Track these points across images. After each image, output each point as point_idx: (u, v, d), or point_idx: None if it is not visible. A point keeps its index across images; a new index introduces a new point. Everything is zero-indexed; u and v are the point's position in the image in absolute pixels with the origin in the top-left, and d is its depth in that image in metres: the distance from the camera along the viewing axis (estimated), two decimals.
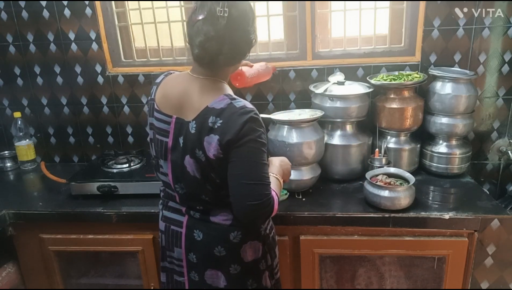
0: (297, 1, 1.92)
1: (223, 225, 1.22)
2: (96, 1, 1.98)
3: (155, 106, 1.20)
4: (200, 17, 1.07)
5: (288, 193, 1.68)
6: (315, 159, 1.71)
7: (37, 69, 2.12)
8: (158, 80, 1.25)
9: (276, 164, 1.31)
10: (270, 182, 1.12)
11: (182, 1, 2.01)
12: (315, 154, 1.69)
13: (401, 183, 1.58)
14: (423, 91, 1.88)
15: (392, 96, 1.81)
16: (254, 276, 1.28)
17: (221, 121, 1.08)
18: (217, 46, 1.08)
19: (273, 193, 1.14)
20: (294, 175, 1.67)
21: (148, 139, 1.28)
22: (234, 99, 1.12)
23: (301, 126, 1.66)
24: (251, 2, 1.91)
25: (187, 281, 1.31)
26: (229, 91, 1.17)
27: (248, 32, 1.12)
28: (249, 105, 1.11)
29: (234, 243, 1.23)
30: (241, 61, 1.22)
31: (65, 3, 1.99)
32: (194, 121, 1.12)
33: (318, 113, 1.72)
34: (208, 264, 1.25)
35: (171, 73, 1.26)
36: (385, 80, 1.81)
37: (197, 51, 1.10)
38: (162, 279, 1.39)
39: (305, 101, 1.98)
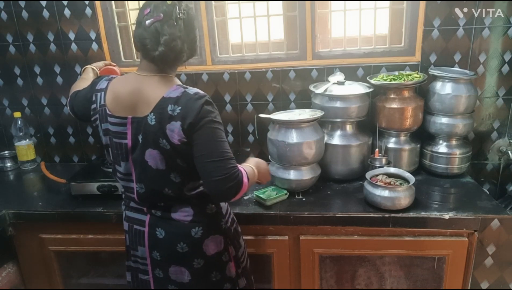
0: (297, 1, 1.92)
1: (184, 222, 1.26)
2: (96, 1, 1.98)
3: (107, 111, 1.22)
4: (156, 19, 1.13)
5: (288, 193, 1.68)
6: (315, 159, 1.71)
7: (37, 69, 2.12)
8: (102, 86, 1.27)
9: (253, 160, 1.41)
10: (233, 157, 1.18)
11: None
12: (315, 154, 1.69)
13: (401, 183, 1.58)
14: (423, 91, 1.88)
15: (392, 96, 1.81)
16: (218, 268, 1.32)
17: (179, 108, 1.14)
18: (181, 45, 1.17)
19: (240, 168, 1.19)
20: (294, 175, 1.67)
21: (104, 145, 1.29)
22: (186, 87, 1.19)
23: (301, 126, 1.66)
24: (248, 2, 1.93)
25: (152, 278, 1.33)
26: (179, 82, 1.24)
27: (196, 33, 1.24)
28: (201, 91, 1.19)
29: (196, 239, 1.26)
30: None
31: (65, 3, 1.99)
32: (152, 113, 1.16)
33: (318, 113, 1.72)
34: (172, 260, 1.28)
35: (113, 77, 1.29)
36: (385, 80, 1.81)
37: (162, 49, 1.14)
38: (127, 279, 1.41)
39: (305, 101, 1.98)
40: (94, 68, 1.61)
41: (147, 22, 1.14)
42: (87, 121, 1.35)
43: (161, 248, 1.28)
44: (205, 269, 1.29)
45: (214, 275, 1.31)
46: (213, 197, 1.25)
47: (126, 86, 1.22)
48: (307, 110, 1.80)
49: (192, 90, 1.18)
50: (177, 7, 1.14)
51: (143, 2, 2.00)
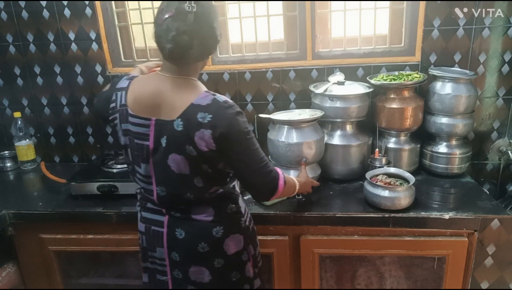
0: (297, 1, 1.92)
1: (205, 222, 1.25)
2: (96, 1, 1.98)
3: (129, 111, 1.20)
4: (168, 15, 1.11)
5: None
6: (315, 159, 1.71)
7: (37, 69, 2.12)
8: (123, 85, 1.24)
9: (305, 175, 1.55)
10: (268, 160, 1.23)
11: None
12: (315, 154, 1.69)
13: (401, 183, 1.58)
14: (423, 91, 1.88)
15: (392, 96, 1.81)
16: (238, 268, 1.32)
17: (210, 116, 1.12)
18: (188, 40, 1.12)
19: (277, 169, 1.26)
20: (294, 175, 1.67)
21: (122, 145, 1.27)
22: (214, 94, 1.18)
23: (301, 126, 1.66)
24: (247, 2, 1.93)
25: (170, 279, 1.32)
26: (205, 88, 1.22)
27: (214, 28, 1.17)
28: (229, 100, 1.18)
29: (217, 238, 1.26)
30: (209, 56, 1.25)
31: (65, 3, 1.99)
32: (179, 119, 1.14)
33: (318, 113, 1.72)
34: (192, 261, 1.27)
35: (135, 76, 1.27)
36: (385, 80, 1.81)
37: (170, 46, 1.12)
38: (144, 280, 1.40)
39: (305, 101, 1.98)
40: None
41: (160, 19, 1.12)
42: (107, 121, 1.32)
43: (180, 248, 1.27)
44: (225, 269, 1.29)
45: (234, 275, 1.31)
46: (255, 198, 1.35)
47: (148, 86, 1.20)
48: (307, 110, 1.81)
49: (221, 97, 1.17)
50: (187, 1, 1.10)
51: (143, 2, 2.02)
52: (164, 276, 1.33)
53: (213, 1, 1.19)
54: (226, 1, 1.98)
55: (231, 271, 1.30)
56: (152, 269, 1.36)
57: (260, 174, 1.21)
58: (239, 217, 1.32)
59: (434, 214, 1.50)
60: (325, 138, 1.79)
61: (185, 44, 1.12)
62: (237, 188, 1.35)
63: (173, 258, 1.28)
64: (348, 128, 1.82)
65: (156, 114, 1.18)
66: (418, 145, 1.88)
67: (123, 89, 1.24)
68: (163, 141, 1.17)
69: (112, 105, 1.25)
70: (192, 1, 1.10)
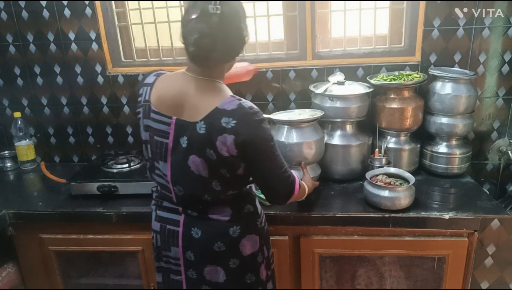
0: (297, 1, 1.92)
1: (222, 221, 1.25)
2: (96, 1, 1.98)
3: (152, 108, 1.19)
4: (193, 16, 1.09)
5: None
6: (315, 159, 1.71)
7: (37, 69, 2.12)
8: (149, 81, 1.23)
9: (309, 178, 1.53)
10: (287, 165, 1.24)
11: (182, 1, 2.01)
12: (315, 154, 1.69)
13: (401, 183, 1.58)
14: (423, 91, 1.88)
15: (392, 96, 1.81)
16: (253, 269, 1.31)
17: (234, 121, 1.11)
18: (211, 43, 1.10)
19: (294, 174, 1.28)
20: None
21: (143, 141, 1.26)
22: (240, 99, 1.16)
23: (301, 126, 1.66)
24: (247, 2, 1.93)
25: (184, 279, 1.31)
26: (231, 92, 1.20)
27: (241, 29, 1.14)
28: (254, 105, 1.17)
29: (234, 238, 1.25)
30: (235, 58, 1.23)
31: (65, 3, 1.99)
32: (202, 122, 1.13)
33: (318, 113, 1.72)
34: (207, 260, 1.27)
35: (162, 73, 1.25)
36: (385, 80, 1.81)
37: (193, 49, 1.11)
38: (158, 279, 1.39)
39: (305, 101, 1.98)
40: None
41: (186, 20, 1.11)
42: None
43: (196, 248, 1.26)
44: (240, 270, 1.28)
45: (249, 277, 1.30)
46: (272, 202, 1.33)
47: (174, 85, 1.19)
48: (307, 110, 1.81)
49: (247, 103, 1.15)
50: (213, 2, 1.07)
51: (143, 2, 2.02)
52: (178, 276, 1.32)
53: (250, 1, 1.16)
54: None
55: (246, 273, 1.30)
56: (166, 268, 1.35)
57: (280, 179, 1.22)
58: (255, 217, 1.32)
59: (434, 214, 1.50)
60: (325, 138, 1.79)
61: (208, 48, 1.10)
62: (254, 190, 1.35)
63: (188, 257, 1.27)
64: (348, 128, 1.82)
65: (178, 113, 1.17)
66: (418, 145, 1.87)
67: (149, 85, 1.22)
68: (183, 141, 1.16)
69: (139, 99, 1.25)
70: (217, 2, 1.07)
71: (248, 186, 1.31)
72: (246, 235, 1.27)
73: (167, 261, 1.33)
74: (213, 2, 1.07)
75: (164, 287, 1.38)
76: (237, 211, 1.27)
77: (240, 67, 1.63)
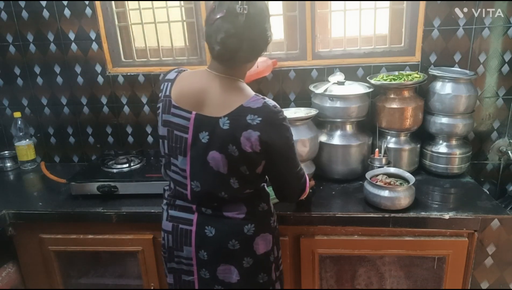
0: (297, 1, 1.92)
1: (236, 219, 1.25)
2: (96, 1, 1.98)
3: (172, 102, 1.20)
4: (219, 15, 1.10)
5: None
6: (309, 156, 1.73)
7: (37, 69, 2.12)
8: (171, 77, 1.24)
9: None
10: (300, 165, 1.29)
11: (182, 1, 2.01)
12: (309, 152, 1.71)
13: (401, 183, 1.58)
14: (423, 91, 1.88)
15: (392, 96, 1.81)
16: (265, 269, 1.31)
17: (260, 119, 1.13)
18: (237, 43, 1.11)
19: (305, 174, 1.32)
20: None
21: (160, 136, 1.26)
22: (264, 98, 1.18)
23: (296, 124, 1.67)
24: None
25: (196, 279, 1.30)
26: (253, 91, 1.22)
27: (265, 29, 1.16)
28: (277, 104, 1.19)
29: (248, 236, 1.25)
30: (258, 58, 1.24)
31: (65, 3, 1.99)
32: (226, 118, 1.14)
33: (312, 112, 1.73)
34: (221, 259, 1.26)
35: (183, 70, 1.26)
36: (385, 80, 1.81)
37: (218, 48, 1.12)
38: (169, 281, 1.38)
39: (305, 101, 1.98)
40: None
41: (211, 19, 1.12)
42: None
43: (210, 246, 1.25)
44: (253, 269, 1.28)
45: (262, 277, 1.30)
46: (286, 200, 1.38)
47: (196, 81, 1.20)
48: (302, 108, 1.83)
49: (271, 102, 1.18)
50: (239, 2, 1.08)
51: (143, 2, 2.02)
52: (190, 276, 1.31)
53: (263, 0, 1.17)
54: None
55: (259, 273, 1.30)
56: (178, 269, 1.33)
57: (297, 177, 1.27)
58: (269, 216, 1.33)
59: (434, 214, 1.50)
60: (325, 138, 1.79)
61: (234, 47, 1.12)
62: (266, 188, 1.36)
63: (200, 257, 1.27)
64: (348, 128, 1.82)
65: (198, 108, 1.18)
66: (418, 145, 1.88)
67: (170, 81, 1.23)
68: (203, 137, 1.17)
69: (160, 94, 1.25)
70: (244, 2, 1.08)
71: (262, 185, 1.32)
72: (260, 233, 1.28)
73: (179, 261, 1.31)
74: (240, 2, 1.08)
75: (175, 287, 1.36)
76: (252, 209, 1.27)
77: (260, 62, 1.64)
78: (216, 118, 1.15)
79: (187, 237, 1.27)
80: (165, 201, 1.34)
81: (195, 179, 1.22)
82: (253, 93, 1.20)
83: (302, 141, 1.67)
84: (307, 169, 1.72)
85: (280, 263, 1.42)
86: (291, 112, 1.76)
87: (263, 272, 1.30)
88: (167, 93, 1.22)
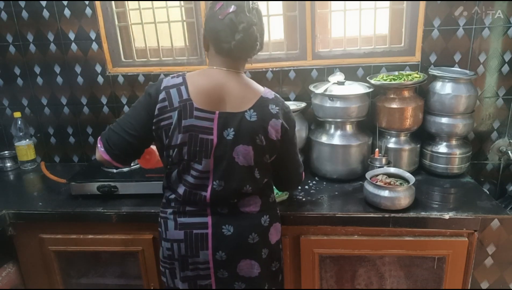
0: (297, 1, 1.92)
1: (253, 212, 1.29)
2: (96, 1, 1.98)
3: (195, 105, 1.16)
4: (231, 10, 1.15)
5: (288, 194, 1.68)
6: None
7: (37, 69, 2.12)
8: (175, 82, 1.19)
9: None
10: None
11: (182, 1, 2.01)
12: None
13: (401, 183, 1.58)
14: (423, 91, 1.88)
15: (392, 96, 1.81)
16: (277, 257, 1.37)
17: (277, 108, 1.23)
18: (257, 33, 1.19)
19: None
20: None
21: (175, 145, 1.19)
22: (270, 90, 1.28)
23: None
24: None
25: (213, 281, 1.29)
26: None
27: (264, 25, 1.25)
28: None
29: (265, 227, 1.30)
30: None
31: (65, 3, 1.99)
32: (251, 110, 1.20)
33: (302, 105, 1.87)
34: (241, 255, 1.27)
35: (182, 74, 1.22)
36: (385, 80, 1.81)
37: (241, 36, 1.15)
38: (182, 288, 1.32)
39: (305, 101, 1.98)
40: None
41: (221, 14, 1.15)
42: (135, 152, 1.26)
43: (228, 245, 1.25)
44: (269, 259, 1.33)
45: (274, 265, 1.35)
46: (288, 186, 1.50)
47: (210, 80, 1.20)
48: (292, 101, 1.97)
49: (277, 94, 1.29)
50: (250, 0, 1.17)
51: (143, 2, 2.02)
52: (207, 280, 1.29)
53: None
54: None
55: (273, 261, 1.34)
56: (193, 276, 1.29)
57: (299, 165, 1.39)
58: (276, 206, 1.39)
59: (434, 214, 1.50)
60: (325, 138, 1.80)
61: (255, 36, 1.18)
62: None
63: (218, 258, 1.26)
64: (348, 128, 1.82)
65: (220, 107, 1.19)
66: (418, 145, 1.88)
67: (179, 85, 1.18)
68: (228, 134, 1.19)
69: (162, 104, 1.17)
70: (253, 0, 1.18)
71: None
72: (273, 223, 1.33)
73: (195, 268, 1.28)
74: (250, 0, 1.17)
75: None
76: (265, 201, 1.31)
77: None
78: (241, 112, 1.19)
79: (203, 241, 1.25)
80: (170, 210, 1.29)
81: (219, 178, 1.22)
82: (260, 85, 1.28)
83: None
84: None
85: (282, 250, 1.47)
86: None
87: (275, 260, 1.36)
88: (185, 97, 1.17)
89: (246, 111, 1.19)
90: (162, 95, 1.18)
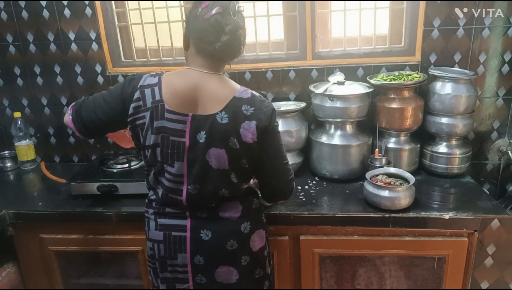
0: (297, 1, 1.92)
1: (233, 218, 1.26)
2: (96, 1, 1.98)
3: (166, 107, 1.16)
4: (215, 11, 1.13)
5: None
6: (295, 147, 1.85)
7: (37, 69, 2.12)
8: (151, 82, 1.18)
9: None
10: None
11: (182, 1, 2.01)
12: (295, 143, 1.82)
13: (401, 183, 1.58)
14: (423, 91, 1.88)
15: (392, 96, 1.81)
16: (261, 264, 1.33)
17: (252, 108, 1.18)
18: (243, 36, 1.20)
19: None
20: None
21: (148, 146, 1.20)
22: (247, 89, 1.24)
23: (286, 116, 1.80)
24: (247, 2, 1.93)
25: (192, 286, 1.28)
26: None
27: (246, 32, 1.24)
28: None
29: (245, 234, 1.27)
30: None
31: (65, 3, 1.99)
32: (223, 112, 1.16)
33: (302, 105, 1.87)
34: (219, 261, 1.26)
35: (160, 73, 1.22)
36: (385, 80, 1.81)
37: (228, 38, 1.15)
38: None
39: (305, 101, 1.98)
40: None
41: (207, 14, 1.13)
42: (100, 132, 1.31)
43: (206, 250, 1.24)
44: (250, 266, 1.29)
45: (258, 272, 1.32)
46: (275, 197, 1.36)
47: (184, 81, 1.18)
48: (291, 102, 1.98)
49: (255, 92, 1.24)
50: (235, 2, 1.17)
51: (143, 2, 2.02)
52: (186, 284, 1.28)
53: (252, 1, 1.26)
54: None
55: (256, 268, 1.31)
56: (172, 278, 1.29)
57: (286, 170, 1.27)
58: (261, 212, 1.36)
59: (434, 214, 1.50)
60: (325, 138, 1.80)
61: (242, 39, 1.19)
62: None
63: (196, 262, 1.25)
64: (348, 128, 1.82)
65: (193, 109, 1.17)
66: (418, 145, 1.88)
67: (154, 85, 1.18)
68: (200, 137, 1.17)
69: (135, 104, 1.18)
70: (238, 1, 1.18)
71: (251, 181, 1.33)
72: (255, 230, 1.29)
73: (173, 270, 1.28)
74: (234, 1, 1.16)
75: None
76: (247, 207, 1.29)
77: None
78: (212, 115, 1.16)
79: (181, 243, 1.25)
80: (151, 210, 1.30)
81: (193, 182, 1.21)
82: (238, 85, 1.24)
83: (289, 132, 1.79)
84: (291, 159, 1.80)
85: (271, 257, 1.44)
86: (280, 105, 1.91)
87: (259, 267, 1.32)
88: (157, 98, 1.16)
89: (217, 114, 1.16)
90: (137, 94, 1.18)
